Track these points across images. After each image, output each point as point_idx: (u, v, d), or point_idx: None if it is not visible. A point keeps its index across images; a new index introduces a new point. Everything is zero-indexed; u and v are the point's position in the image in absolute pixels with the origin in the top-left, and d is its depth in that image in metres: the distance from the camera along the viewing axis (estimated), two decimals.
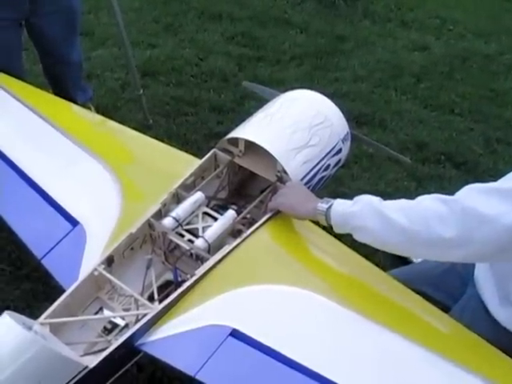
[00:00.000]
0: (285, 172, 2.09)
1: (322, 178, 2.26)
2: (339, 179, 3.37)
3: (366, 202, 1.78)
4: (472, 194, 1.63)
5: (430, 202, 1.68)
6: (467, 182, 3.19)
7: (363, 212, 1.77)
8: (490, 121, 4.37)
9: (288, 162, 2.08)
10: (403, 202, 1.75)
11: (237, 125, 2.29)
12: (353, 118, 3.84)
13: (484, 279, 1.97)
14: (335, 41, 5.19)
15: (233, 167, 2.22)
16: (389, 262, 2.60)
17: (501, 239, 1.57)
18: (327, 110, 2.31)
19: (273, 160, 2.08)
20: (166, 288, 1.92)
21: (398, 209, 1.72)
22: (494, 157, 3.98)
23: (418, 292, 1.89)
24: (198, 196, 2.06)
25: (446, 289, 2.18)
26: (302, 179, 2.13)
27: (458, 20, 5.86)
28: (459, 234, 1.60)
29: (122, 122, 2.56)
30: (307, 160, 2.15)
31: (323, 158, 2.22)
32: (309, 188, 2.14)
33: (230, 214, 2.02)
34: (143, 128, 3.59)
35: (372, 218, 1.74)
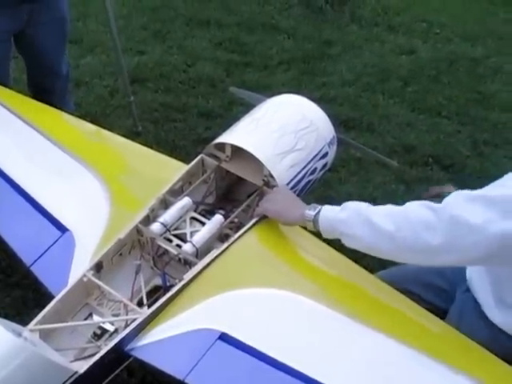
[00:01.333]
0: (271, 176, 2.10)
1: (309, 181, 2.28)
2: (327, 183, 3.39)
3: (354, 209, 1.80)
4: (459, 202, 1.65)
5: (417, 209, 1.70)
6: (455, 184, 3.23)
7: (351, 219, 1.78)
8: (476, 123, 4.40)
9: (274, 167, 2.10)
10: (391, 208, 1.77)
11: (225, 130, 2.30)
12: (340, 122, 3.87)
13: (479, 282, 1.99)
14: (322, 46, 5.22)
15: (220, 172, 2.24)
16: (377, 265, 2.62)
17: (487, 247, 1.59)
18: (313, 114, 2.33)
19: (259, 164, 2.10)
20: (154, 293, 1.92)
21: (385, 215, 1.74)
22: (481, 159, 4.01)
23: (406, 292, 1.91)
24: (185, 201, 2.07)
25: (434, 289, 2.19)
26: (288, 183, 2.14)
27: (445, 24, 5.90)
28: (446, 241, 1.62)
29: (110, 128, 2.58)
30: (294, 164, 2.17)
31: (309, 162, 2.24)
32: (295, 192, 2.15)
33: (218, 218, 2.04)
34: (132, 135, 3.60)
35: (360, 224, 1.76)
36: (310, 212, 1.88)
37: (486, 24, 6.12)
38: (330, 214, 1.85)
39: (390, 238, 1.70)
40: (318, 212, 1.87)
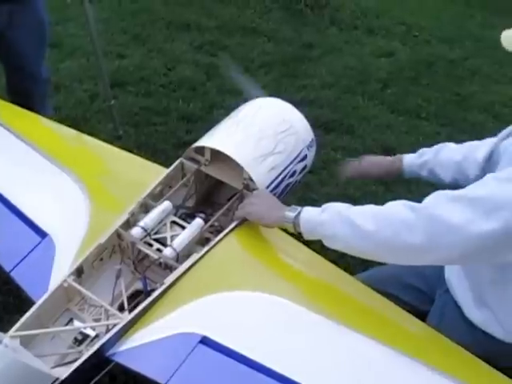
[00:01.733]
0: (251, 179, 2.11)
1: (289, 184, 2.29)
2: (307, 185, 3.40)
3: (335, 210, 1.81)
4: (439, 202, 1.66)
5: (398, 209, 1.71)
6: (433, 186, 3.25)
7: (332, 220, 1.79)
8: (455, 124, 4.45)
9: (254, 170, 2.11)
10: (371, 208, 1.78)
11: (206, 133, 2.31)
12: (320, 125, 3.89)
13: (457, 282, 2.01)
14: (303, 48, 5.25)
15: (200, 176, 2.24)
16: (358, 266, 2.63)
17: (467, 246, 1.60)
18: (292, 117, 2.34)
19: (239, 168, 2.11)
20: (135, 297, 1.92)
21: (366, 215, 1.75)
22: None
23: (385, 294, 1.92)
24: (165, 205, 2.07)
25: (413, 291, 2.21)
26: (268, 186, 2.15)
27: (423, 26, 5.96)
28: (426, 241, 1.63)
29: (91, 133, 2.57)
30: (273, 167, 2.18)
31: (289, 165, 2.25)
32: (275, 195, 2.16)
33: (198, 222, 2.04)
34: (113, 138, 3.61)
35: (340, 225, 1.77)
36: (291, 213, 1.89)
37: (463, 26, 6.20)
38: (311, 215, 1.85)
39: (371, 238, 1.71)
40: (299, 213, 1.87)
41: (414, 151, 3.94)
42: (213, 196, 2.35)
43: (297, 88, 4.59)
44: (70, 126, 2.64)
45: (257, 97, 2.47)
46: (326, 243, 1.84)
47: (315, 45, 5.32)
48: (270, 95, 2.49)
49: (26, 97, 3.22)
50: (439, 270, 2.12)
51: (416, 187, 3.67)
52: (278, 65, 4.92)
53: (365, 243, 1.73)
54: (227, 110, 2.63)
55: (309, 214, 1.86)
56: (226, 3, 5.96)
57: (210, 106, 4.24)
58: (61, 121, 2.86)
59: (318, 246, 1.95)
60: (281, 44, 5.29)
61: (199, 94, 4.41)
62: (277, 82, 4.64)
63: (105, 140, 2.53)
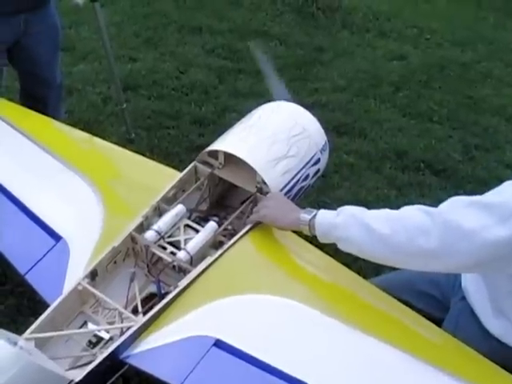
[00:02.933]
0: (264, 183, 2.11)
1: (302, 188, 2.29)
2: (320, 189, 3.39)
3: (350, 213, 1.81)
4: (455, 207, 1.65)
5: (413, 213, 1.71)
6: (446, 189, 3.24)
7: (347, 223, 1.79)
8: (468, 128, 4.42)
9: (267, 173, 2.11)
10: (387, 212, 1.78)
11: (218, 137, 2.32)
12: (332, 128, 3.89)
13: (475, 290, 1.98)
14: (314, 52, 5.24)
15: (213, 179, 2.25)
16: (370, 270, 2.62)
17: (481, 253, 1.60)
18: (305, 120, 2.35)
19: (252, 171, 2.11)
20: (149, 300, 1.93)
21: (381, 219, 1.75)
22: (473, 163, 4.03)
23: (399, 300, 1.91)
24: (179, 208, 2.08)
25: (426, 298, 2.19)
26: (281, 190, 2.15)
27: (435, 29, 5.93)
28: (441, 246, 1.63)
29: (103, 136, 2.59)
30: (286, 170, 2.18)
31: (302, 169, 2.25)
32: (288, 198, 2.16)
33: (212, 225, 2.05)
34: (125, 142, 3.61)
35: (355, 228, 1.77)
36: (306, 216, 1.89)
37: (475, 29, 6.16)
38: (326, 218, 1.86)
39: (386, 242, 1.71)
40: (314, 216, 1.88)
41: (426, 155, 3.97)
42: (226, 199, 2.35)
43: (308, 91, 4.58)
44: (82, 129, 2.66)
45: (280, 95, 2.48)
46: (341, 246, 1.84)
47: (327, 48, 5.31)
48: (281, 99, 2.50)
49: (39, 101, 3.24)
50: (453, 278, 2.11)
51: (428, 191, 3.67)
52: (289, 68, 4.90)
53: (379, 247, 1.73)
54: (239, 113, 2.65)
55: (324, 216, 1.86)
56: (238, 6, 5.96)
57: (223, 109, 4.24)
58: (73, 124, 2.89)
59: (331, 250, 1.96)
60: (292, 47, 5.29)
61: (211, 98, 4.41)
62: (288, 86, 4.61)
63: (117, 143, 2.54)
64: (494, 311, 1.90)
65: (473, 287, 2.00)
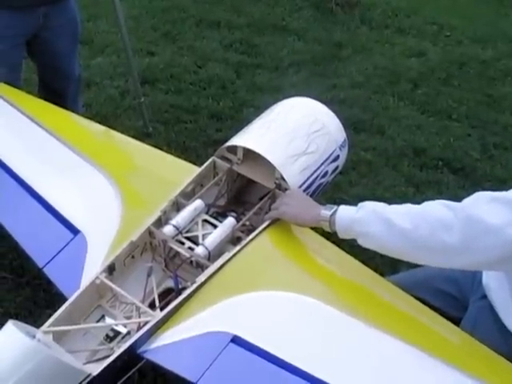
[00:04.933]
0: (283, 179, 2.11)
1: (320, 184, 2.28)
2: (337, 185, 3.38)
3: (371, 208, 1.80)
4: (478, 202, 1.64)
5: (435, 208, 1.70)
6: (464, 188, 3.22)
7: (368, 218, 1.79)
8: (487, 126, 4.39)
9: (286, 170, 2.10)
10: (408, 206, 1.77)
11: (235, 132, 2.31)
12: (350, 125, 3.86)
13: (498, 287, 1.95)
14: (333, 47, 5.21)
15: (231, 175, 2.24)
16: (387, 268, 2.61)
17: (505, 249, 1.58)
18: (324, 117, 2.33)
19: (271, 167, 2.10)
20: (166, 295, 1.93)
21: (402, 214, 1.74)
22: (491, 162, 4.00)
23: (416, 298, 1.90)
24: (197, 204, 2.08)
25: (444, 296, 2.17)
26: (300, 186, 2.15)
27: (455, 26, 5.89)
28: (463, 242, 1.62)
29: (121, 129, 2.58)
30: (305, 167, 2.17)
31: (321, 165, 2.24)
32: (307, 195, 2.16)
33: (230, 221, 2.04)
34: (143, 136, 3.61)
35: (376, 223, 1.76)
36: (326, 212, 1.89)
37: (496, 26, 6.11)
38: (347, 214, 1.85)
39: (407, 237, 1.70)
40: (335, 212, 1.87)
41: (444, 153, 3.94)
42: (244, 195, 2.35)
43: (327, 87, 4.55)
44: (100, 123, 2.66)
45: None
46: (361, 242, 1.83)
47: (345, 44, 5.28)
48: (300, 95, 2.49)
49: (58, 95, 3.24)
50: (472, 277, 2.09)
51: (446, 189, 3.65)
52: (307, 64, 4.89)
53: (401, 242, 1.72)
54: (257, 108, 2.64)
55: (345, 212, 1.86)
56: (256, 1, 5.94)
57: (240, 104, 4.22)
58: (91, 117, 2.89)
59: (347, 246, 1.95)
60: (311, 43, 5.26)
61: (229, 93, 4.40)
62: (307, 81, 4.61)
63: (135, 137, 2.54)
64: None
65: (495, 284, 1.97)
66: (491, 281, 1.99)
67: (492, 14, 6.48)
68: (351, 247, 1.90)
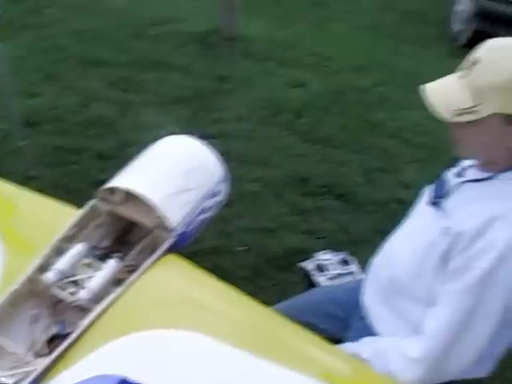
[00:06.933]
0: (164, 217, 2.13)
1: (203, 220, 2.32)
2: (223, 218, 3.39)
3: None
4: None
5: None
6: (348, 212, 3.33)
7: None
8: (367, 151, 4.59)
9: (166, 207, 2.13)
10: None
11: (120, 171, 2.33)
12: (235, 157, 3.91)
13: (376, 311, 2.06)
14: (217, 81, 5.32)
15: (113, 216, 2.25)
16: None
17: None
18: (203, 153, 2.38)
19: (152, 206, 2.13)
20: (53, 342, 1.91)
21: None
22: (373, 185, 4.17)
23: (304, 323, 1.95)
24: (80, 247, 2.07)
25: (330, 318, 2.25)
26: (181, 223, 2.18)
27: (334, 56, 6.15)
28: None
29: (4, 174, 2.54)
30: (185, 204, 2.20)
31: (202, 201, 2.28)
32: (190, 232, 2.19)
33: (113, 262, 2.05)
34: (26, 179, 3.55)
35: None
36: None
37: (373, 55, 6.41)
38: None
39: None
40: None
41: (328, 179, 4.07)
42: (128, 235, 2.36)
43: (212, 121, 4.63)
44: None
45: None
46: None
47: (229, 78, 5.39)
48: (186, 130, 2.53)
49: None
50: (356, 296, 2.17)
51: (331, 214, 3.75)
52: (192, 99, 4.97)
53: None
54: (141, 147, 2.65)
55: None
56: (140, 38, 5.99)
57: (125, 143, 4.21)
58: None
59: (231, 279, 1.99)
60: (195, 78, 5.35)
61: (113, 132, 4.40)
62: (192, 116, 4.68)
63: (18, 181, 2.51)
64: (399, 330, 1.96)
65: (375, 306, 2.07)
66: (370, 303, 2.09)
67: (368, 43, 6.78)
68: (240, 279, 1.93)
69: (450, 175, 1.95)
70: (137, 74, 5.26)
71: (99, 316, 1.88)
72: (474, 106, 1.64)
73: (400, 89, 5.57)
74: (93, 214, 2.24)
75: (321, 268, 2.74)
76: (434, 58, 6.63)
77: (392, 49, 6.87)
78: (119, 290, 1.94)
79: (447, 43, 7.23)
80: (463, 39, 7.29)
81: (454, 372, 1.83)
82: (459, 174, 1.92)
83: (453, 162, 1.99)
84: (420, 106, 1.69)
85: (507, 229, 1.67)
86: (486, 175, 1.80)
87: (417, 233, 1.95)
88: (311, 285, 2.70)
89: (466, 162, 1.93)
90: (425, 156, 4.49)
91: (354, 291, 2.19)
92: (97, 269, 2.05)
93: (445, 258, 1.76)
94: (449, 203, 1.84)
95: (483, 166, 1.83)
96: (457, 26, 7.73)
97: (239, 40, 6.12)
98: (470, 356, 1.79)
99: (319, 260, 2.78)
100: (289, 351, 1.86)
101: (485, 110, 1.64)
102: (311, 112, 5.02)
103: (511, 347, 1.93)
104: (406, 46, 7.05)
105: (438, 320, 1.78)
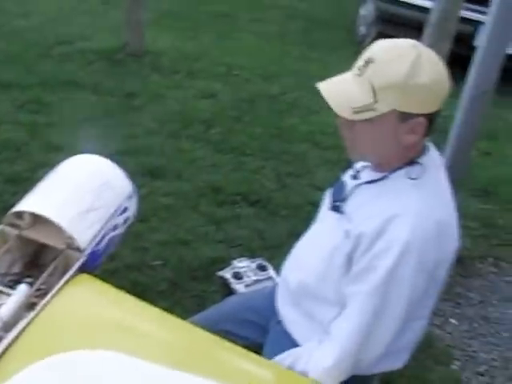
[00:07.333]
0: (73, 238, 2.13)
1: (113, 237, 2.33)
2: (138, 234, 3.40)
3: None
4: None
5: None
6: (263, 218, 3.37)
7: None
8: (279, 157, 4.66)
9: (74, 228, 2.13)
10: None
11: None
12: (147, 172, 3.95)
13: (289, 314, 2.10)
14: (126, 98, 5.31)
15: (22, 240, 2.23)
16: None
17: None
18: (109, 170, 2.38)
19: (60, 227, 2.12)
20: None
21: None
22: (286, 190, 4.24)
23: (223, 332, 1.98)
24: None
25: (249, 325, 2.29)
26: (90, 242, 2.18)
27: (243, 65, 6.22)
28: None
29: None
30: (93, 223, 2.20)
31: (110, 219, 2.29)
32: (99, 250, 2.20)
33: (23, 287, 2.03)
34: None
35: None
36: None
37: (281, 62, 6.53)
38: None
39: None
40: None
41: (241, 188, 4.12)
42: (40, 258, 2.34)
43: (122, 137, 4.57)
44: None
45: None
46: None
47: (138, 93, 5.39)
48: (96, 148, 2.52)
49: None
50: (272, 302, 2.20)
51: (246, 222, 3.80)
52: (102, 117, 4.93)
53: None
54: (53, 167, 2.64)
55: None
56: (46, 58, 5.92)
57: (36, 165, 4.13)
58: None
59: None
60: (104, 95, 5.32)
61: (23, 155, 4.33)
62: (102, 135, 4.63)
63: None
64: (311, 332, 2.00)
65: (286, 310, 2.11)
66: (283, 307, 2.13)
67: (276, 51, 6.90)
68: (158, 293, 1.92)
69: (347, 178, 2.02)
70: (45, 95, 5.19)
71: (12, 343, 1.86)
72: (372, 104, 1.67)
73: (309, 93, 5.64)
74: (0, 239, 2.22)
75: (238, 276, 2.77)
76: (342, 60, 6.70)
77: (300, 55, 7.02)
78: (32, 314, 1.93)
79: (354, 46, 7.39)
80: (368, 42, 7.48)
81: (364, 368, 1.90)
82: (355, 177, 1.98)
83: (349, 164, 2.05)
84: (330, 108, 1.73)
85: (404, 227, 1.73)
86: (379, 176, 1.86)
87: (321, 237, 2.00)
88: (230, 293, 2.71)
89: (361, 164, 1.99)
90: (335, 158, 4.57)
91: (270, 296, 2.23)
92: (8, 296, 2.03)
93: (349, 260, 1.82)
94: (348, 206, 1.90)
95: (376, 167, 1.90)
96: (362, 30, 8.02)
97: (147, 55, 6.13)
98: (378, 352, 1.85)
99: (236, 268, 2.81)
100: (206, 362, 1.87)
101: (383, 107, 1.68)
102: (222, 122, 5.06)
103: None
104: (313, 52, 7.21)
105: (347, 323, 1.82)
